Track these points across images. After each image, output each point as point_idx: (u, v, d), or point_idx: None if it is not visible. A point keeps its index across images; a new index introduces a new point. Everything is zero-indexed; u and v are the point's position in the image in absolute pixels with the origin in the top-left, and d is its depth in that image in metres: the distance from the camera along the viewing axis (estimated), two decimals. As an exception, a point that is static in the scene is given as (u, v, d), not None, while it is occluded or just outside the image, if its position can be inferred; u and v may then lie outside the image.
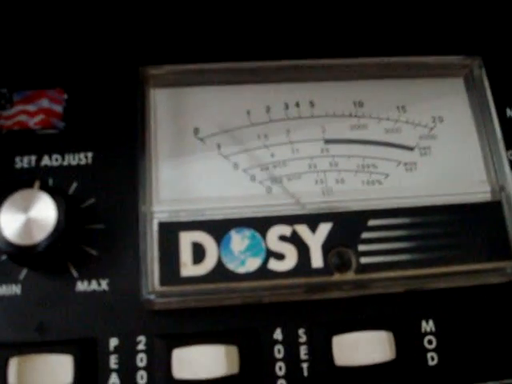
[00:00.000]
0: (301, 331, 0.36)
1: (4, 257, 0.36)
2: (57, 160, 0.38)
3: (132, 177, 0.37)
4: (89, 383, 0.34)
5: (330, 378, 0.35)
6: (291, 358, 0.36)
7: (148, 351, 0.35)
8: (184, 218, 0.36)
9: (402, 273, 0.36)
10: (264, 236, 0.36)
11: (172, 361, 0.34)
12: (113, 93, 0.39)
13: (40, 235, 0.34)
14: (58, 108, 0.39)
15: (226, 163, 0.38)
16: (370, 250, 0.36)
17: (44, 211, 0.34)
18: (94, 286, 0.36)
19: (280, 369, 0.35)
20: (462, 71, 0.41)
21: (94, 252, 0.37)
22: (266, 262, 0.35)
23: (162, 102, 0.39)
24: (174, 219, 0.36)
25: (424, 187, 0.38)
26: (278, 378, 0.35)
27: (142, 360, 0.35)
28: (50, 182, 0.38)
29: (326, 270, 0.35)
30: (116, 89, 0.39)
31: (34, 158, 0.38)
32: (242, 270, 0.35)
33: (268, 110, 0.39)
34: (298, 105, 0.40)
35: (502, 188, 0.38)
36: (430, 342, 0.36)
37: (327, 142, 0.39)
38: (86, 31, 0.41)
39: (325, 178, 0.38)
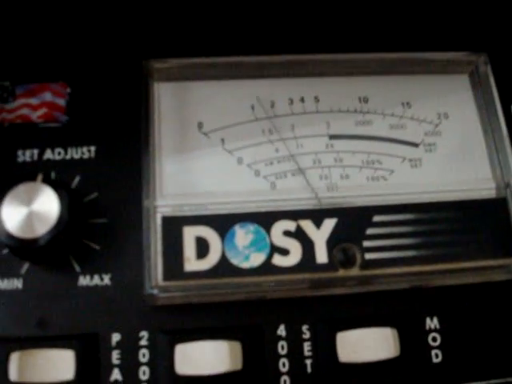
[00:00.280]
0: (305, 327, 0.36)
1: (5, 250, 0.36)
2: (59, 154, 0.38)
3: (135, 171, 0.37)
4: (90, 379, 0.34)
5: (334, 375, 0.35)
6: (295, 355, 0.35)
7: (150, 347, 0.35)
8: (188, 212, 0.36)
9: (407, 269, 0.36)
10: (268, 231, 0.35)
11: (175, 356, 0.34)
12: (116, 86, 0.39)
13: (42, 229, 0.34)
14: (61, 102, 0.39)
15: (230, 158, 0.38)
16: (374, 246, 0.36)
17: (47, 204, 0.34)
18: (96, 280, 0.36)
19: (283, 365, 0.35)
20: (468, 68, 0.41)
21: (96, 246, 0.36)
22: (270, 257, 0.35)
23: (165, 96, 0.39)
24: (178, 214, 0.36)
25: (429, 184, 0.38)
26: (282, 374, 0.35)
27: (144, 355, 0.35)
28: (53, 175, 0.37)
29: (331, 265, 0.35)
30: (119, 82, 0.39)
31: (36, 151, 0.38)
32: (245, 265, 0.35)
33: (273, 104, 0.39)
34: (302, 100, 0.39)
35: (508, 185, 0.38)
36: (434, 339, 0.36)
37: (332, 137, 0.39)
38: (90, 24, 0.40)
39: (329, 173, 0.38)
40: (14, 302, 0.35)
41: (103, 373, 0.34)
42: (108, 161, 0.38)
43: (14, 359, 0.34)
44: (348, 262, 0.35)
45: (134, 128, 0.38)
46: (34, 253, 0.34)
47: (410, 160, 0.39)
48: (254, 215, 0.36)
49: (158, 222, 0.35)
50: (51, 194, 0.34)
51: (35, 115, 0.39)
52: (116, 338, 0.35)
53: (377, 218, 0.36)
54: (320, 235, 0.36)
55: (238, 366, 0.34)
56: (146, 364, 0.35)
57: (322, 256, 0.35)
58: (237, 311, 0.36)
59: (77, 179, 0.37)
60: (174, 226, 0.35)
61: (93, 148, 0.38)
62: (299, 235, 0.36)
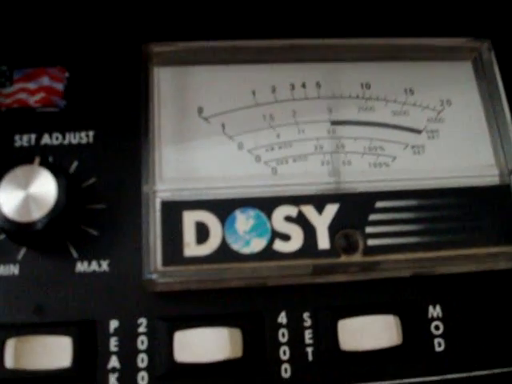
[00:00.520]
0: (306, 315, 0.35)
1: (2, 236, 0.35)
2: (57, 139, 0.37)
3: (134, 156, 0.37)
4: (88, 366, 0.33)
5: (335, 363, 0.35)
6: (296, 342, 0.35)
7: (149, 334, 0.34)
8: (187, 197, 0.35)
9: (410, 255, 0.35)
10: (269, 216, 0.35)
11: (174, 344, 0.34)
12: (115, 71, 0.39)
13: (39, 212, 0.33)
14: (59, 86, 0.38)
15: (231, 143, 0.37)
16: (377, 232, 0.35)
17: (44, 188, 0.33)
18: (94, 266, 0.35)
19: (284, 353, 0.35)
20: (471, 54, 0.40)
21: (94, 232, 0.36)
22: (271, 242, 0.35)
23: (165, 81, 0.38)
24: (178, 198, 0.35)
25: (432, 170, 0.38)
26: (282, 362, 0.34)
27: (142, 343, 0.34)
28: (50, 160, 0.37)
29: (333, 251, 0.35)
30: (118, 67, 0.39)
31: (33, 136, 0.37)
32: (246, 250, 0.34)
33: (274, 90, 0.38)
34: (304, 85, 0.39)
35: (511, 172, 0.38)
36: (437, 327, 0.36)
37: (334, 123, 0.38)
38: (88, 8, 0.40)
39: (331, 159, 0.38)
40: (11, 288, 0.34)
41: (101, 360, 0.34)
42: (106, 146, 0.37)
43: (10, 346, 0.33)
44: (350, 248, 0.35)
45: (132, 113, 0.37)
46: (31, 237, 0.34)
47: (413, 147, 0.38)
48: (255, 200, 0.35)
49: (158, 206, 0.35)
50: (49, 177, 0.33)
51: (33, 100, 0.38)
52: (114, 324, 0.34)
53: (380, 204, 0.36)
54: (322, 221, 0.35)
55: (238, 353, 0.34)
56: (144, 351, 0.34)
57: (323, 242, 0.35)
58: (237, 298, 0.35)
59: (75, 164, 0.37)
60: (173, 211, 0.35)
61: (91, 133, 0.38)
62: (301, 221, 0.35)
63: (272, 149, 0.38)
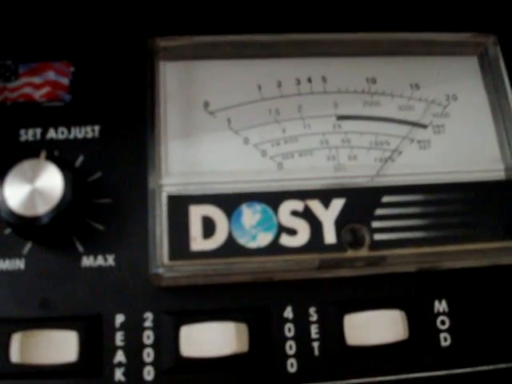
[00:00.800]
0: (312, 310, 0.35)
1: (8, 230, 0.35)
2: (63, 133, 0.37)
3: (140, 150, 0.37)
4: (94, 360, 0.33)
5: (342, 358, 0.35)
6: (302, 337, 0.35)
7: (155, 328, 0.34)
8: (194, 191, 0.35)
9: (416, 250, 0.35)
10: (276, 211, 0.35)
11: (180, 338, 0.34)
12: (121, 65, 0.39)
13: (45, 207, 0.33)
14: (65, 80, 0.38)
15: (237, 138, 0.37)
16: (383, 227, 0.35)
17: (50, 182, 0.33)
18: (100, 261, 0.35)
19: (290, 347, 0.35)
20: (477, 49, 0.40)
21: (100, 227, 0.36)
22: (277, 237, 0.35)
23: (171, 75, 0.38)
24: (184, 192, 0.35)
25: (437, 165, 0.38)
26: (289, 356, 0.34)
27: (148, 337, 0.34)
28: (56, 154, 0.36)
29: (339, 246, 0.35)
30: (124, 61, 0.39)
31: (39, 130, 0.37)
32: (252, 244, 0.34)
33: (279, 84, 0.38)
34: (310, 80, 0.39)
35: (517, 167, 0.38)
36: (442, 322, 0.36)
37: (339, 118, 0.38)
38: (94, 2, 0.40)
39: (337, 154, 0.38)
40: (16, 283, 0.34)
41: (106, 354, 0.34)
42: (112, 140, 0.37)
43: (16, 340, 0.33)
44: (357, 243, 0.35)
45: (138, 107, 0.37)
46: (37, 232, 0.34)
47: (419, 141, 0.38)
48: (262, 195, 0.35)
49: (164, 201, 0.35)
50: (55, 171, 0.33)
51: (38, 94, 0.38)
52: (120, 319, 0.34)
53: (386, 199, 0.36)
54: (328, 215, 0.35)
55: (245, 348, 0.34)
56: (150, 346, 0.34)
57: (330, 236, 0.35)
58: (243, 292, 0.35)
59: (80, 159, 0.37)
60: (179, 205, 0.35)
61: (97, 127, 0.38)
62: (307, 215, 0.35)
63: (278, 143, 0.38)
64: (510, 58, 0.40)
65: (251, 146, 0.37)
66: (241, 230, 0.34)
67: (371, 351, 0.35)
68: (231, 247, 0.34)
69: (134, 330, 0.34)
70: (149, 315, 0.34)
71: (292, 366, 0.34)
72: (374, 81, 0.39)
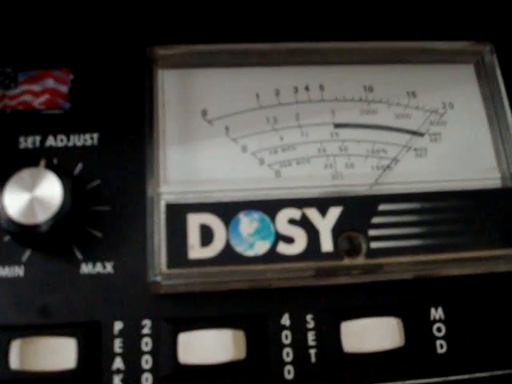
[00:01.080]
0: (309, 317, 0.35)
1: (7, 238, 0.35)
2: (62, 141, 0.38)
3: (138, 158, 0.37)
4: (92, 367, 0.34)
5: (338, 365, 0.35)
6: (299, 344, 0.35)
7: (153, 335, 0.34)
8: (192, 199, 0.35)
9: (412, 258, 0.35)
10: (273, 219, 0.35)
11: (178, 345, 0.34)
12: (120, 73, 0.39)
13: (44, 215, 0.33)
14: (64, 88, 0.39)
15: (235, 146, 0.38)
16: (380, 235, 0.35)
17: (49, 190, 0.33)
18: (98, 268, 0.35)
19: (287, 355, 0.35)
20: (473, 57, 0.41)
21: (99, 234, 0.36)
22: (274, 245, 0.35)
23: (169, 83, 0.38)
24: (182, 201, 0.35)
25: (434, 173, 0.38)
26: (286, 364, 0.35)
27: (147, 344, 0.34)
28: (55, 162, 0.37)
29: (336, 254, 0.35)
30: (123, 69, 0.39)
31: (38, 138, 0.37)
32: (250, 253, 0.35)
33: (277, 93, 0.39)
34: (307, 88, 0.39)
35: (513, 175, 0.38)
36: (439, 329, 0.36)
37: (337, 126, 0.39)
38: (93, 10, 0.40)
39: (334, 162, 0.38)
40: (16, 290, 0.35)
41: (105, 361, 0.34)
42: (111, 148, 0.37)
43: (15, 347, 0.33)
44: (353, 251, 0.35)
45: (137, 115, 0.38)
46: (36, 239, 0.34)
47: (415, 149, 0.39)
48: (259, 203, 0.35)
49: (162, 209, 0.35)
50: (54, 179, 0.34)
51: (37, 102, 0.38)
52: (118, 326, 0.34)
53: (383, 207, 0.36)
54: (325, 223, 0.35)
55: (242, 355, 0.34)
56: (148, 353, 0.34)
57: (327, 244, 0.35)
58: (241, 300, 0.35)
59: (79, 166, 0.37)
60: (178, 214, 0.35)
61: (95, 135, 0.38)
62: (304, 223, 0.35)
63: (275, 151, 0.38)
64: (507, 67, 0.40)
65: (249, 154, 0.38)
66: (238, 239, 0.35)
67: (368, 358, 0.35)
68: (229, 255, 0.34)
69: (132, 337, 0.34)
70: (147, 322, 0.35)
71: (289, 373, 0.35)
72: (371, 89, 0.40)
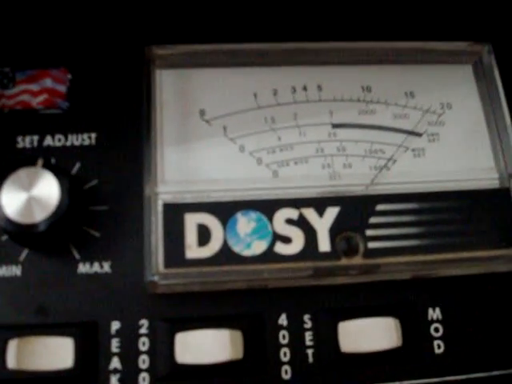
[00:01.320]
0: (306, 317, 0.35)
1: (4, 237, 0.35)
2: (60, 140, 0.38)
3: (136, 158, 0.37)
4: (89, 367, 0.34)
5: (336, 365, 0.35)
6: (296, 344, 0.35)
7: (150, 335, 0.34)
8: (189, 199, 0.35)
9: (410, 258, 0.35)
10: (270, 219, 0.35)
11: (175, 345, 0.34)
12: (118, 73, 0.39)
13: (42, 214, 0.33)
14: (62, 88, 0.39)
15: (233, 146, 0.38)
16: (377, 235, 0.35)
17: (47, 190, 0.33)
18: (96, 268, 0.35)
19: (285, 355, 0.35)
20: (472, 58, 0.41)
21: (96, 233, 0.36)
22: (272, 245, 0.35)
23: (167, 83, 0.38)
24: (179, 200, 0.35)
25: (432, 173, 0.38)
26: (283, 364, 0.35)
27: (144, 344, 0.34)
28: (53, 162, 0.37)
29: (334, 254, 0.35)
30: (121, 69, 0.39)
31: (36, 137, 0.37)
32: (247, 252, 0.35)
33: (275, 93, 0.39)
34: (305, 88, 0.39)
35: (511, 175, 0.38)
36: (436, 329, 0.36)
37: (335, 126, 0.39)
38: (91, 9, 0.40)
39: (332, 162, 0.38)
40: (13, 289, 0.35)
41: (102, 361, 0.34)
42: (109, 148, 0.37)
43: (12, 346, 0.33)
44: (351, 251, 0.35)
45: (135, 115, 0.38)
46: (33, 239, 0.34)
47: (413, 150, 0.39)
48: (256, 203, 0.35)
49: (160, 208, 0.35)
50: (52, 179, 0.34)
51: (35, 101, 0.38)
52: (115, 326, 0.34)
53: (380, 207, 0.36)
54: (323, 223, 0.35)
55: (239, 355, 0.34)
56: (145, 352, 0.34)
57: (324, 244, 0.35)
58: (238, 300, 0.35)
59: (77, 166, 0.37)
60: (175, 213, 0.35)
61: (93, 135, 0.38)
62: (302, 223, 0.35)
63: (273, 151, 0.38)
64: (505, 67, 0.40)
65: (247, 153, 0.38)
66: (236, 238, 0.35)
67: (365, 358, 0.35)
68: (226, 255, 0.34)
69: (129, 336, 0.34)
70: (144, 322, 0.35)
71: (286, 373, 0.35)
72: (369, 89, 0.40)
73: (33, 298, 0.35)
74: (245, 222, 0.35)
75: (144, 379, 0.34)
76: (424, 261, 0.35)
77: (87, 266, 0.35)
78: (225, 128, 0.38)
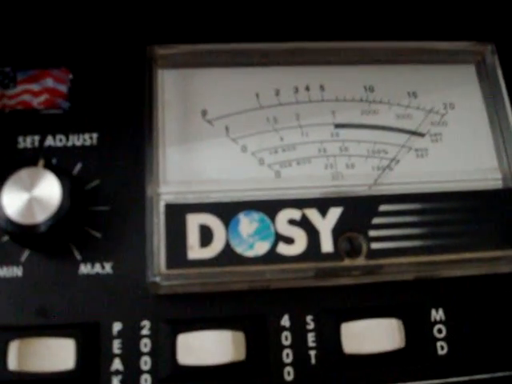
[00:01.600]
0: (309, 318, 0.35)
1: (5, 238, 0.35)
2: (61, 140, 0.37)
3: (138, 158, 0.37)
4: (91, 368, 0.33)
5: (338, 366, 0.35)
6: (299, 346, 0.35)
7: (152, 336, 0.34)
8: (191, 200, 0.35)
9: (413, 259, 0.35)
10: (273, 219, 0.35)
11: (177, 346, 0.34)
12: (119, 73, 0.39)
13: (43, 215, 0.33)
14: (63, 88, 0.38)
15: (235, 146, 0.37)
16: (380, 236, 0.35)
17: (48, 190, 0.33)
18: (97, 268, 0.35)
19: (287, 356, 0.35)
20: (474, 58, 0.41)
21: (97, 234, 0.36)
22: (274, 245, 0.35)
23: (169, 83, 0.38)
24: (181, 201, 0.35)
25: (435, 174, 0.38)
26: (285, 365, 0.34)
27: (146, 345, 0.34)
28: (54, 162, 0.37)
29: (336, 254, 0.35)
30: (123, 69, 0.39)
31: (37, 138, 0.37)
32: (250, 253, 0.34)
33: (277, 93, 0.39)
34: (307, 88, 0.39)
35: (514, 176, 0.38)
36: (439, 330, 0.36)
37: (337, 126, 0.38)
38: (93, 9, 0.40)
39: (335, 162, 0.38)
40: (14, 290, 0.34)
41: (104, 362, 0.34)
42: (110, 148, 0.37)
43: (13, 348, 0.33)
44: (354, 252, 0.35)
45: (136, 115, 0.37)
46: (35, 240, 0.34)
47: (416, 150, 0.39)
48: (259, 203, 0.35)
49: (161, 209, 0.35)
50: (53, 179, 0.33)
51: (36, 101, 0.38)
52: (117, 327, 0.34)
53: (383, 208, 0.36)
54: (325, 224, 0.35)
55: (242, 356, 0.34)
56: (147, 354, 0.34)
57: (327, 245, 0.35)
58: (240, 301, 0.35)
59: (78, 166, 0.37)
60: (177, 214, 0.35)
61: (95, 135, 0.38)
62: (304, 224, 0.35)
63: (276, 152, 0.38)
64: (508, 67, 0.40)
65: (249, 154, 0.37)
66: (238, 239, 0.35)
67: (368, 360, 0.35)
68: (228, 256, 0.34)
69: (131, 337, 0.34)
70: (146, 323, 0.34)
71: (289, 374, 0.34)
72: (371, 89, 0.39)
73: (34, 299, 0.34)
74: (247, 223, 0.35)
75: (146, 381, 0.34)
76: (427, 261, 0.35)
77: (88, 266, 0.35)
78: (227, 128, 0.38)
